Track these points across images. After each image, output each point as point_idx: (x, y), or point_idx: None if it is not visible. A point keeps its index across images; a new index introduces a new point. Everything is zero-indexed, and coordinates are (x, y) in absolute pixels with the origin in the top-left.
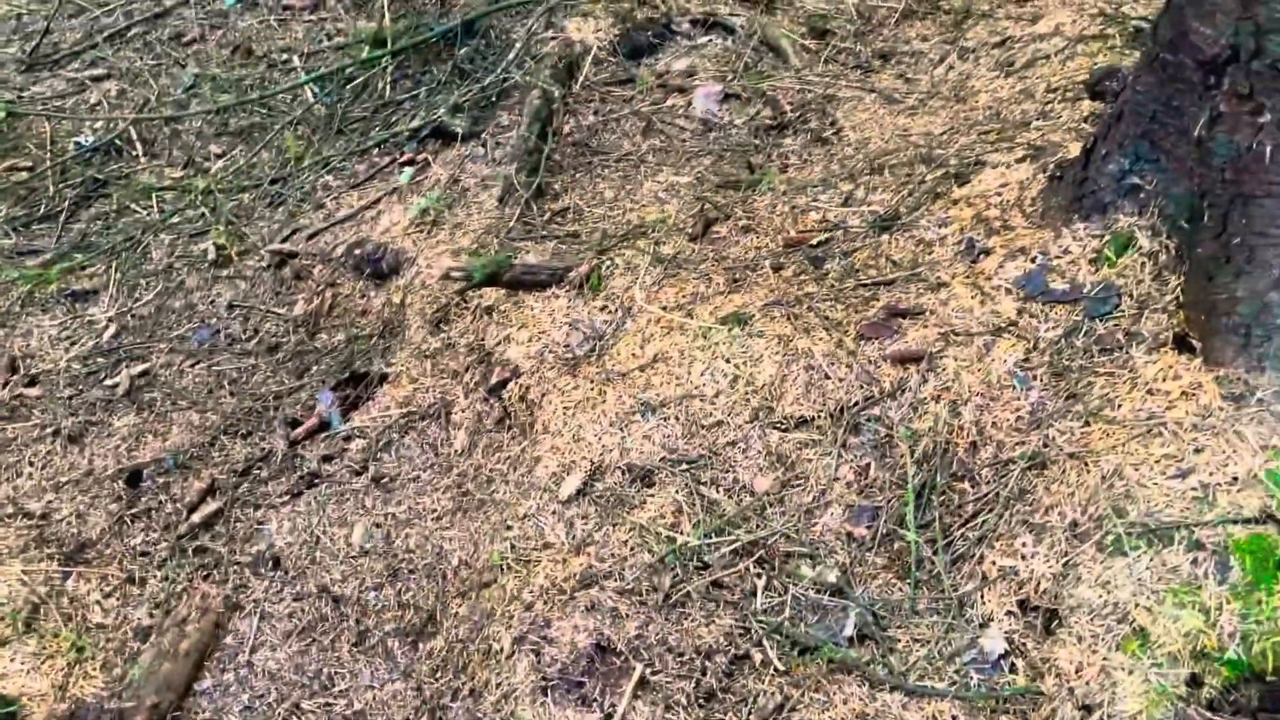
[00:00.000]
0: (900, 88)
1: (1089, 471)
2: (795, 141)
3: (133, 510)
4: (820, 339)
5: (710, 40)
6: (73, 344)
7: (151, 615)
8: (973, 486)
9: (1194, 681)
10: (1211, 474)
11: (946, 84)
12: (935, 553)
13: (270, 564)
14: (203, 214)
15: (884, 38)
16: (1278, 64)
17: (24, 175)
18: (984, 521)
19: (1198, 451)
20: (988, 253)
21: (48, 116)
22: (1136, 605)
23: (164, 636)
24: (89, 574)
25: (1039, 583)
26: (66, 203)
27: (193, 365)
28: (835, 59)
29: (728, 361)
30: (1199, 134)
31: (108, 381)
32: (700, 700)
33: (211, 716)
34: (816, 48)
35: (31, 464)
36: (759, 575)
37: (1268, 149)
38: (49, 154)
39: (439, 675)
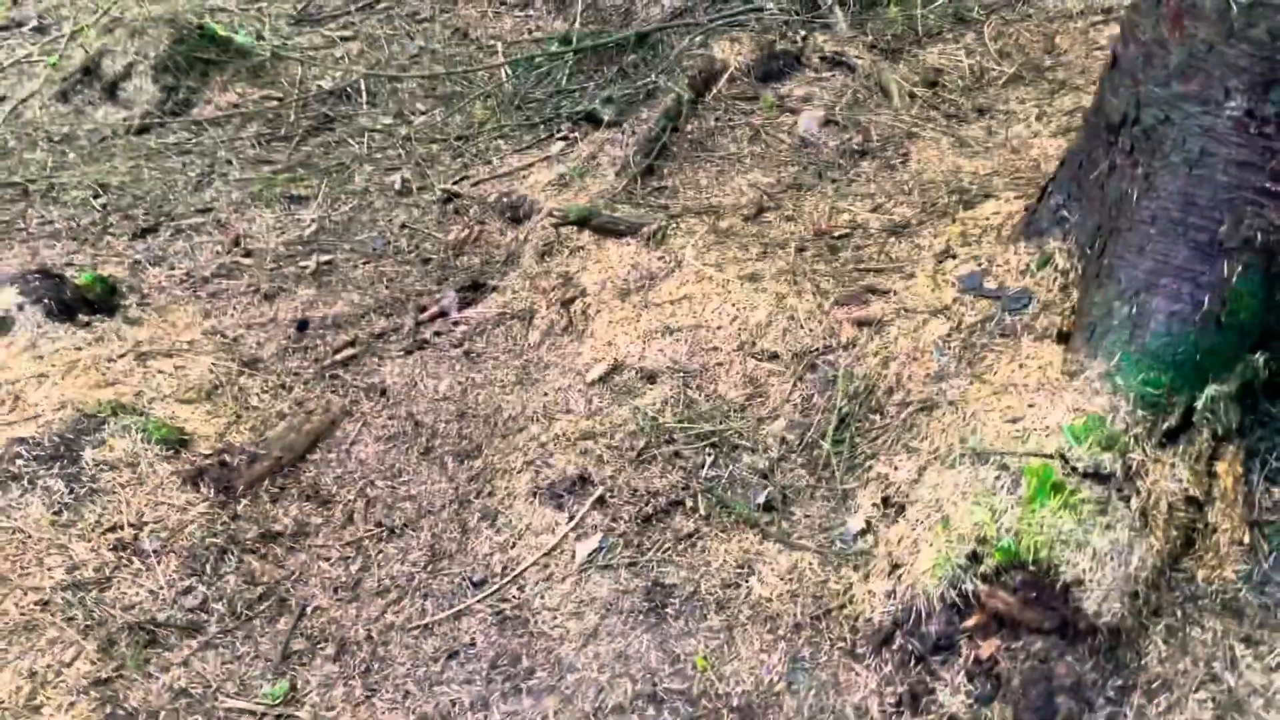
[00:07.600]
0: (980, 137)
1: (957, 414)
2: (870, 165)
3: (296, 346)
4: (807, 300)
5: (833, 75)
6: (282, 233)
7: (290, 408)
8: (880, 418)
9: (974, 557)
10: (1033, 422)
11: (1017, 139)
12: (839, 460)
13: (379, 393)
14: (399, 154)
15: (987, 95)
16: (1149, 130)
17: (274, 104)
18: (879, 442)
19: (1030, 406)
20: (954, 257)
21: (301, 61)
22: (949, 501)
23: (294, 418)
24: (255, 376)
25: (900, 486)
26: (301, 130)
27: (365, 263)
28: (937, 106)
29: (734, 305)
30: (1102, 180)
31: (301, 263)
32: (639, 520)
33: (313, 476)
34: (922, 95)
35: (235, 309)
36: (710, 454)
37: (1134, 193)
38: (296, 90)
39: (472, 482)
